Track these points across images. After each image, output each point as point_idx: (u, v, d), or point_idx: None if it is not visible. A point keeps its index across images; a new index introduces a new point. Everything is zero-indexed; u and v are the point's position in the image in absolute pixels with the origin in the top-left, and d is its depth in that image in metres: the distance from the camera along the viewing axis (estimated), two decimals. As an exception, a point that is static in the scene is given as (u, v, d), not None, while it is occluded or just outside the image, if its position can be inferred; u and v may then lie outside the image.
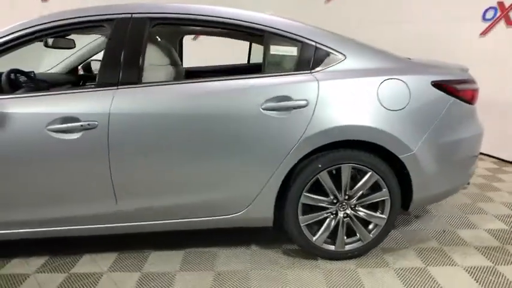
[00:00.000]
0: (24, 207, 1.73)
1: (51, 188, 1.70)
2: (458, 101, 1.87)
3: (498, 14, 3.50)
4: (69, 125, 1.61)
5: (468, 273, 1.86)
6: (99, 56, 2.66)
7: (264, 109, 1.70)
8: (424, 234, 2.23)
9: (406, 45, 3.17)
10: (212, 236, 2.15)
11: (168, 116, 1.67)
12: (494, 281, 1.79)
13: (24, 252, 2.00)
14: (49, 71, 2.95)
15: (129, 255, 2.00)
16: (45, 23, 1.71)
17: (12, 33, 1.67)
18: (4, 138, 1.61)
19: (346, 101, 1.75)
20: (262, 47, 1.83)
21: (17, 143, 1.62)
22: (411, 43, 3.75)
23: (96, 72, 3.14)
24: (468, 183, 2.14)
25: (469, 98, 1.92)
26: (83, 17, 1.74)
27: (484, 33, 3.64)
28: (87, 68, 3.16)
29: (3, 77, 1.99)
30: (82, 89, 1.76)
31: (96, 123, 1.63)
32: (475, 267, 1.90)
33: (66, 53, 2.95)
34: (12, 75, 2.08)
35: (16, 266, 1.91)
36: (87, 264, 1.93)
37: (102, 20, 1.74)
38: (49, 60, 3.05)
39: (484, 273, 1.86)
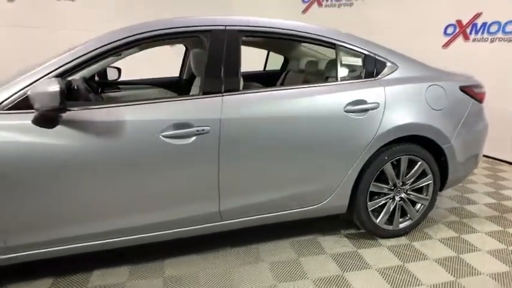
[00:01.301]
0: (137, 214, 1.75)
1: (162, 194, 1.75)
2: (475, 101, 2.37)
3: (457, 30, 4.26)
4: (184, 130, 1.69)
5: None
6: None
7: (346, 111, 1.98)
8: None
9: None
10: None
11: (270, 120, 1.85)
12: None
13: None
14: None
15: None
16: (145, 32, 1.75)
17: (117, 40, 1.69)
18: (118, 145, 1.62)
19: (405, 103, 2.11)
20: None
21: (132, 149, 1.64)
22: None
23: (111, 78, 3.12)
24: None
25: (481, 98, 2.43)
26: (179, 27, 1.82)
27: (446, 45, 4.38)
28: (103, 74, 3.09)
29: (76, 85, 1.93)
30: (189, 96, 1.82)
31: (209, 128, 1.73)
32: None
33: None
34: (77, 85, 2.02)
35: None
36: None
37: (199, 31, 1.84)
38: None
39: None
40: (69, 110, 1.53)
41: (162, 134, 1.67)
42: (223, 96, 1.80)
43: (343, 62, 2.11)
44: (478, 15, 4.05)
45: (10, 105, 1.53)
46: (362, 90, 2.04)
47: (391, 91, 2.09)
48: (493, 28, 3.93)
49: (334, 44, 2.09)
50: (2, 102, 1.53)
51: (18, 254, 1.63)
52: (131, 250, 1.92)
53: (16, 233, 1.59)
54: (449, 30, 4.34)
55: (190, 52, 2.02)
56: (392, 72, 2.17)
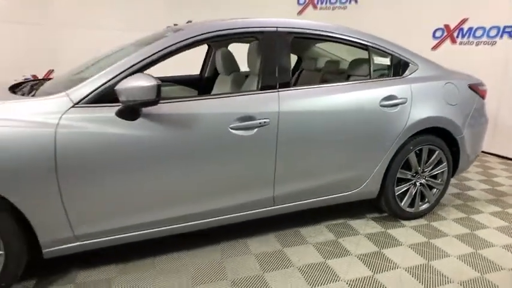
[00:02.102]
0: (207, 200, 1.90)
1: (228, 181, 1.90)
2: (479, 97, 2.70)
3: (445, 33, 4.67)
4: (248, 123, 1.85)
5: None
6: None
7: (381, 106, 2.21)
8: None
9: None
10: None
11: (318, 113, 2.05)
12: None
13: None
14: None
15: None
16: (216, 31, 1.90)
17: (189, 38, 1.82)
18: (193, 136, 1.76)
19: (427, 98, 2.39)
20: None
21: (205, 140, 1.78)
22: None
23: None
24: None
25: (484, 95, 2.76)
26: (243, 28, 1.98)
27: (435, 48, 4.78)
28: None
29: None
30: (249, 92, 1.98)
31: (268, 120, 1.90)
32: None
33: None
34: None
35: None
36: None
37: (256, 32, 2.01)
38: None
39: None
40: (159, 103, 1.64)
41: (230, 126, 1.83)
42: (279, 92, 1.98)
43: (374, 62, 2.35)
44: (464, 20, 4.47)
45: (92, 100, 1.62)
46: (392, 87, 2.29)
47: (416, 88, 2.36)
48: (478, 33, 4.36)
49: (367, 46, 2.32)
50: (85, 97, 1.61)
51: (91, 241, 1.72)
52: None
53: (88, 223, 1.68)
54: (438, 33, 4.74)
55: (251, 50, 2.17)
56: (414, 71, 2.44)
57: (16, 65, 4.55)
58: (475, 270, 2.01)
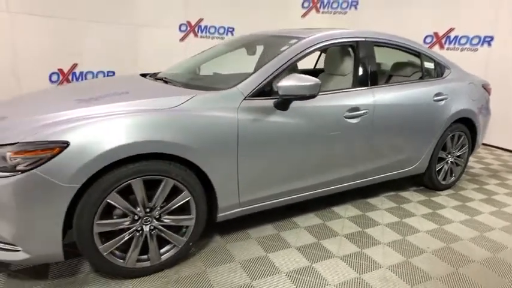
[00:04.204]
0: (327, 172, 2.41)
1: (340, 158, 2.42)
2: (487, 94, 3.48)
3: (434, 39, 5.53)
4: (356, 113, 2.38)
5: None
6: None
7: (434, 100, 2.86)
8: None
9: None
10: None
11: (397, 106, 2.63)
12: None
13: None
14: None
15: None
16: (332, 39, 2.43)
17: (318, 43, 2.33)
18: (315, 124, 2.24)
19: (460, 95, 3.09)
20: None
21: (330, 126, 2.29)
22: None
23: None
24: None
25: (490, 92, 3.55)
26: (346, 38, 2.53)
27: (425, 51, 5.62)
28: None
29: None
30: (354, 88, 2.50)
31: (368, 111, 2.44)
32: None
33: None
34: None
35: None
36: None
37: (352, 41, 2.54)
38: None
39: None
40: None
41: (344, 115, 2.34)
42: (372, 88, 2.53)
43: (426, 66, 2.99)
44: (451, 29, 5.35)
45: (255, 94, 2.04)
46: (439, 86, 2.95)
47: (452, 86, 3.05)
48: (463, 40, 5.26)
49: (419, 53, 2.96)
50: (251, 91, 2.03)
51: (247, 208, 2.14)
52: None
53: (249, 192, 2.10)
54: (428, 39, 5.59)
55: (336, 54, 2.68)
56: (449, 73, 3.13)
57: (41, 59, 4.55)
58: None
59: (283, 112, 2.09)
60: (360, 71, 2.53)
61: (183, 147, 1.76)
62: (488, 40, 5.03)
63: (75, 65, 4.97)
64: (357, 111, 2.40)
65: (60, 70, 4.83)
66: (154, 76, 2.69)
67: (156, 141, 1.70)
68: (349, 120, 2.37)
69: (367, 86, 2.53)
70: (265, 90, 2.07)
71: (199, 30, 6.28)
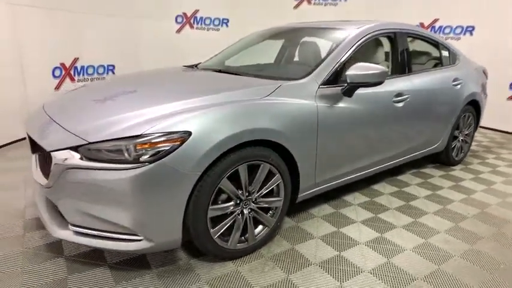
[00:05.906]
0: (374, 154, 2.62)
1: (388, 140, 2.66)
2: (485, 77, 3.91)
3: (421, 30, 5.96)
4: (401, 98, 2.62)
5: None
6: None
7: (452, 85, 3.19)
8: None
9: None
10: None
11: (426, 90, 2.92)
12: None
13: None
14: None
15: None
16: (382, 30, 2.66)
17: (366, 34, 2.52)
18: (373, 108, 2.46)
19: (470, 79, 3.46)
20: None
21: (383, 110, 2.51)
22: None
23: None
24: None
25: (487, 76, 3.98)
26: (387, 29, 2.73)
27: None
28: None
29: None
30: (400, 75, 2.75)
31: (409, 95, 2.70)
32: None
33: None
34: None
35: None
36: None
37: (391, 33, 2.76)
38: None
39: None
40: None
41: (392, 99, 2.58)
42: (408, 75, 2.79)
43: (443, 54, 3.31)
44: (436, 20, 5.80)
45: (325, 82, 2.20)
46: (455, 72, 3.30)
47: (464, 72, 3.41)
48: (447, 30, 5.74)
49: (438, 43, 3.27)
50: (323, 80, 2.19)
51: (320, 187, 2.32)
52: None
53: (322, 172, 2.28)
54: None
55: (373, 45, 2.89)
56: (459, 61, 3.48)
57: (44, 52, 4.33)
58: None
59: (348, 98, 2.27)
60: (399, 59, 2.78)
61: (278, 133, 1.89)
62: (470, 30, 5.54)
63: (76, 59, 4.78)
64: (402, 96, 2.65)
65: (62, 64, 4.62)
66: (206, 68, 2.76)
67: (260, 128, 1.81)
68: (396, 104, 2.61)
69: (405, 73, 2.79)
70: (331, 79, 2.24)
71: (195, 22, 6.25)
